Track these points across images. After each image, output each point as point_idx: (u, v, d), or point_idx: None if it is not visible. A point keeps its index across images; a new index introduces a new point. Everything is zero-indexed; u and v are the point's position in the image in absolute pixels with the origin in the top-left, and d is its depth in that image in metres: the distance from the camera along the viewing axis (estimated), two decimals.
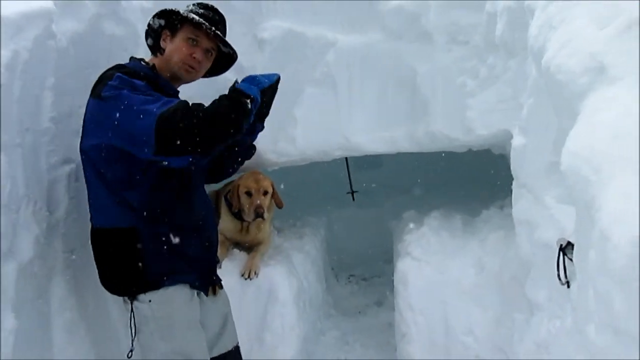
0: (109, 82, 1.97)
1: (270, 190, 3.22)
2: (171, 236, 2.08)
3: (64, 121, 2.44)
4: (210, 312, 2.30)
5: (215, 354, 2.33)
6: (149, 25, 2.26)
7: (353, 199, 4.79)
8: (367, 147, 3.23)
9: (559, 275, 1.98)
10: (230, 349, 2.40)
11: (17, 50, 2.18)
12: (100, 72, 2.67)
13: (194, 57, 2.14)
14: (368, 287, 4.59)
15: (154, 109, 1.85)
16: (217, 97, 1.97)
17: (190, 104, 1.92)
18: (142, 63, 2.21)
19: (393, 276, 3.43)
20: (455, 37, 2.98)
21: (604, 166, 1.11)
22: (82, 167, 2.49)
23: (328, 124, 3.18)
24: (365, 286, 4.62)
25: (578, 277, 1.83)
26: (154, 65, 2.20)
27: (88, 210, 2.55)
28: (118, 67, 2.11)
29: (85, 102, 2.60)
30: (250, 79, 2.09)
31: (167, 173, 2.05)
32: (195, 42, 2.14)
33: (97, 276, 2.55)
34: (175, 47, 2.14)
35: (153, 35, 2.24)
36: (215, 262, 2.40)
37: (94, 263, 2.56)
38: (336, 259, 4.98)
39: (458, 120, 3.02)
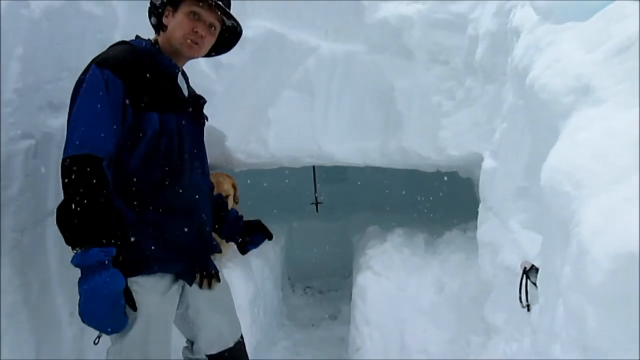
0: (84, 77, 1.88)
1: (231, 193, 3.13)
2: (156, 219, 1.94)
3: (30, 95, 2.32)
4: (205, 306, 2.18)
5: (215, 350, 2.21)
6: (151, 2, 2.14)
7: (317, 210, 4.76)
8: (338, 157, 3.22)
9: (520, 298, 1.99)
10: (230, 345, 2.26)
11: None
12: (72, 49, 2.59)
13: (196, 32, 2.03)
14: (324, 300, 4.55)
15: (69, 146, 1.79)
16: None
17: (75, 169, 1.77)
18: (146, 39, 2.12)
19: (350, 290, 3.39)
20: (435, 56, 3.01)
21: (586, 182, 1.11)
22: (43, 144, 2.39)
23: (301, 130, 3.15)
24: (320, 299, 4.59)
25: (540, 300, 1.84)
26: (156, 40, 2.10)
27: (45, 190, 2.45)
28: (119, 43, 2.05)
29: (55, 78, 2.51)
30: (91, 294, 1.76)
31: (154, 151, 1.94)
32: (197, 17, 2.03)
33: (44, 260, 2.43)
34: (177, 22, 2.03)
35: (155, 12, 2.14)
36: (208, 251, 2.23)
37: (44, 246, 2.45)
38: (293, 270, 4.92)
39: (431, 139, 3.04)
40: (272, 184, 5.11)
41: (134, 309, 1.87)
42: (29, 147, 2.32)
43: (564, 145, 1.26)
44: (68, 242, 1.78)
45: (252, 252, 3.60)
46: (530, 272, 2.00)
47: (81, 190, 1.75)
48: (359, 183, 5.89)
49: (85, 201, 1.75)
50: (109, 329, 1.83)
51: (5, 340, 2.16)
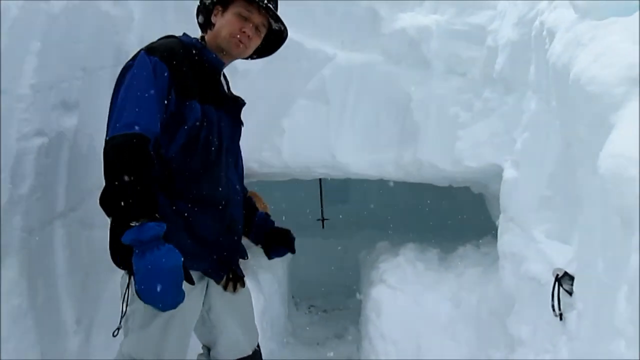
0: (132, 62, 1.91)
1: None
2: (189, 210, 1.91)
3: (44, 92, 2.26)
4: (226, 310, 2.12)
5: (232, 357, 2.15)
6: (200, 1, 2.18)
7: (323, 227, 4.69)
8: (353, 168, 3.16)
9: (553, 306, 1.92)
10: (249, 352, 2.20)
11: (7, 5, 2.03)
12: (88, 49, 2.55)
13: (244, 32, 2.05)
14: (329, 319, 4.44)
15: (118, 125, 1.78)
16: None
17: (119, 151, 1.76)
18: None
19: (355, 309, 3.29)
20: (453, 67, 2.99)
21: None
22: (55, 144, 2.32)
23: (316, 139, 3.10)
24: (325, 318, 4.48)
25: (579, 305, 1.78)
26: (202, 37, 2.14)
27: (55, 190, 2.36)
28: (166, 37, 2.06)
29: (70, 77, 2.46)
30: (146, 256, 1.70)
31: (194, 141, 1.94)
32: (245, 17, 2.06)
33: (51, 263, 2.33)
34: (226, 21, 2.05)
35: (205, 12, 2.17)
36: (237, 250, 2.17)
37: (52, 248, 2.36)
38: (297, 288, 4.81)
39: (447, 151, 3.00)
40: (276, 200, 5.05)
41: (192, 283, 1.83)
42: (41, 145, 2.24)
43: (625, 132, 1.21)
44: (120, 220, 1.74)
45: (260, 266, 3.54)
46: (562, 279, 1.94)
47: (134, 166, 1.72)
48: (360, 204, 5.86)
49: (139, 177, 1.72)
50: (168, 305, 1.74)
51: (8, 346, 2.05)
